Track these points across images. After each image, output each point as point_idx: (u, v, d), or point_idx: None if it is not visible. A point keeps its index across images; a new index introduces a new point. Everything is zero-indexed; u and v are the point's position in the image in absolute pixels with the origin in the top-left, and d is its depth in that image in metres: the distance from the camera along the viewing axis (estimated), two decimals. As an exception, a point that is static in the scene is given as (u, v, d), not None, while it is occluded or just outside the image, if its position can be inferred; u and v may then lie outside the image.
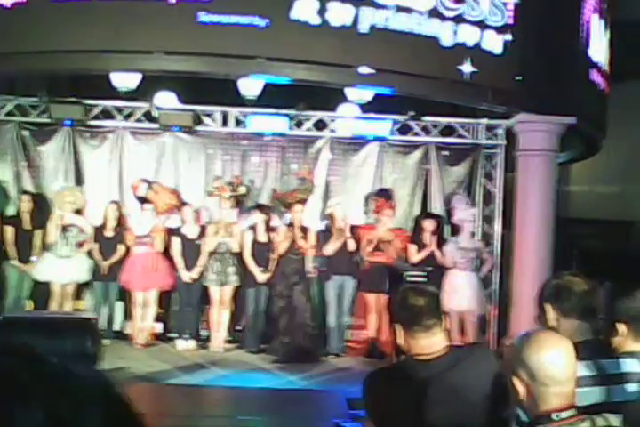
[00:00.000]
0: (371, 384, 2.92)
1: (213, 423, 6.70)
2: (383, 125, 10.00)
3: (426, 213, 10.23)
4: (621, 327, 2.76)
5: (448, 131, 10.39)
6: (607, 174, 13.62)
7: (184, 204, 9.84)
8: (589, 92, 9.77)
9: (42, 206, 9.82)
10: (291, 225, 9.44)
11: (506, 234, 10.22)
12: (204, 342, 9.55)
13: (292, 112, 10.00)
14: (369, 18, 7.86)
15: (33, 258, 9.41)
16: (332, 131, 10.28)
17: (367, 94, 8.89)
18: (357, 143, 10.38)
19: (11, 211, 9.89)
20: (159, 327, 9.84)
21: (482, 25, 8.33)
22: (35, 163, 10.20)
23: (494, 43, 8.42)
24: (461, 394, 2.72)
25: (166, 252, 9.51)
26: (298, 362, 8.75)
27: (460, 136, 10.36)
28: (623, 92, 11.17)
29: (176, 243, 9.43)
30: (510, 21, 8.50)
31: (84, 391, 0.97)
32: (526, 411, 2.22)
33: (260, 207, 9.81)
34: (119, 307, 9.76)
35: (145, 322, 9.41)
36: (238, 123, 10.10)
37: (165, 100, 9.57)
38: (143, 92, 9.14)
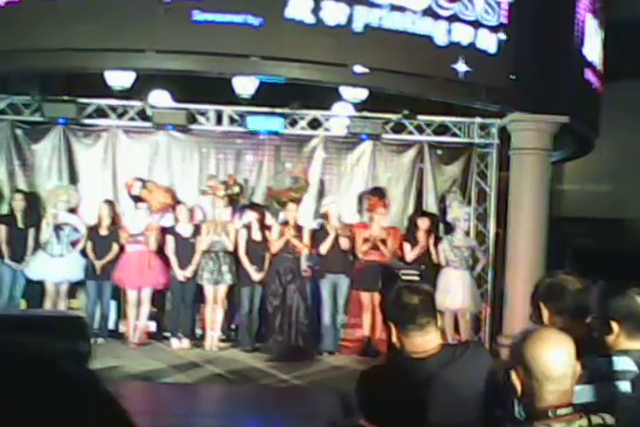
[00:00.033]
0: (364, 382, 2.92)
1: (208, 422, 6.70)
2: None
3: (420, 211, 10.25)
4: (614, 326, 2.77)
5: (442, 130, 10.41)
6: (600, 173, 13.66)
7: (178, 202, 9.83)
8: (583, 91, 9.79)
9: (35, 205, 9.80)
10: (285, 224, 9.44)
11: (499, 233, 10.25)
12: (198, 340, 9.54)
13: (286, 111, 10.00)
14: (363, 17, 7.87)
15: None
16: (327, 130, 10.29)
17: (362, 93, 8.90)
18: (351, 142, 10.39)
19: (4, 210, 9.88)
20: (153, 326, 9.84)
21: (476, 24, 8.35)
22: (28, 161, 10.18)
23: (488, 42, 8.44)
24: (456, 392, 2.73)
25: (160, 250, 9.50)
26: (292, 361, 8.75)
27: (454, 135, 10.39)
28: (615, 92, 11.20)
29: (170, 241, 9.42)
30: (504, 21, 8.52)
31: (74, 389, 0.97)
32: (524, 407, 2.23)
33: (253, 206, 9.82)
34: (113, 306, 9.75)
35: (139, 321, 9.41)
36: (232, 121, 10.10)
37: (159, 98, 9.56)
38: (137, 90, 9.12)
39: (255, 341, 9.41)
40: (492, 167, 10.40)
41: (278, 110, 9.94)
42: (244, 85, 8.89)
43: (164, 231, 9.57)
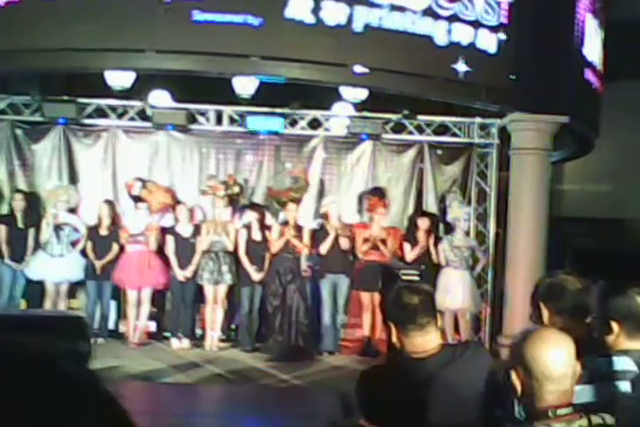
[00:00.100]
0: (364, 382, 2.92)
1: (208, 422, 6.70)
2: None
3: (420, 211, 10.25)
4: (614, 326, 2.77)
5: (442, 130, 10.41)
6: (600, 173, 13.66)
7: (178, 202, 9.83)
8: (583, 91, 9.79)
9: (35, 205, 9.80)
10: (285, 224, 9.44)
11: (499, 233, 10.25)
12: (198, 340, 9.54)
13: (286, 111, 10.01)
14: (363, 17, 7.87)
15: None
16: (327, 130, 10.29)
17: (362, 93, 8.90)
18: (351, 142, 10.39)
19: (4, 210, 9.89)
20: (153, 326, 9.84)
21: (476, 24, 8.35)
22: (28, 161, 10.18)
23: (488, 42, 8.44)
24: (456, 392, 2.73)
25: (160, 250, 9.50)
26: (292, 361, 8.75)
27: (454, 135, 10.39)
28: (615, 92, 11.20)
29: (170, 242, 9.42)
30: (504, 21, 8.52)
31: (74, 389, 0.97)
32: (524, 407, 2.23)
33: (253, 206, 9.82)
34: (113, 306, 9.75)
35: (139, 321, 9.41)
36: (232, 121, 10.10)
37: (159, 98, 9.56)
38: (137, 90, 9.12)
39: (255, 341, 9.41)
40: (492, 167, 10.40)
41: (278, 110, 9.95)
42: (244, 85, 8.89)
43: (164, 231, 9.57)
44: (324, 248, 9.34)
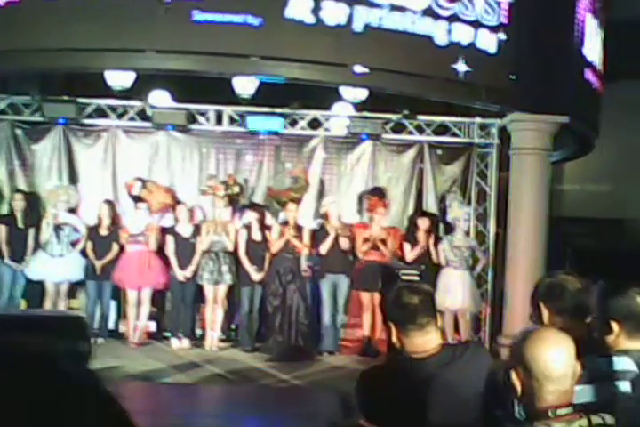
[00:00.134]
0: (364, 382, 2.92)
1: (208, 422, 6.70)
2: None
3: (420, 211, 10.25)
4: (614, 326, 2.77)
5: (442, 130, 10.41)
6: (600, 173, 13.66)
7: (178, 202, 9.83)
8: (583, 91, 9.79)
9: (35, 205, 9.80)
10: (285, 224, 9.44)
11: (499, 233, 10.25)
12: (198, 340, 9.54)
13: (286, 111, 10.00)
14: (363, 17, 7.87)
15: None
16: (327, 130, 10.29)
17: (362, 93, 8.90)
18: (351, 142, 10.39)
19: (4, 210, 9.88)
20: (153, 326, 9.84)
21: (476, 24, 8.35)
22: (28, 161, 10.18)
23: (488, 42, 8.44)
24: (456, 391, 2.73)
25: (160, 250, 9.50)
26: (292, 361, 8.75)
27: (454, 135, 10.39)
28: (615, 92, 11.20)
29: (170, 242, 9.42)
30: (504, 21, 8.52)
31: (74, 389, 0.97)
32: (524, 406, 2.23)
33: (253, 206, 9.82)
34: (113, 306, 9.75)
35: (139, 321, 9.41)
36: (232, 121, 10.10)
37: (159, 98, 9.56)
38: (137, 90, 9.13)
39: (255, 341, 9.41)
40: (492, 167, 10.40)
41: (278, 110, 9.95)
42: (244, 85, 8.89)
43: (164, 231, 9.57)
44: (323, 248, 9.34)
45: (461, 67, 8.22)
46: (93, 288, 9.44)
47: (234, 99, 9.14)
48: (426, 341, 2.82)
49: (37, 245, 9.42)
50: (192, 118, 10.05)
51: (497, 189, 10.34)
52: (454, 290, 9.42)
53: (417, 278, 8.87)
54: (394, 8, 7.97)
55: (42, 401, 0.93)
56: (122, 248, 9.46)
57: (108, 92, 8.92)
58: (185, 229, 9.48)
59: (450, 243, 9.68)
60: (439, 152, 10.53)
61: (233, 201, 9.84)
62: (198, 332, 9.77)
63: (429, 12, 8.11)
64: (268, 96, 9.23)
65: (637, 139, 13.07)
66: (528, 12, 8.68)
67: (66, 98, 9.78)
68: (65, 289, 9.40)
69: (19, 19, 7.79)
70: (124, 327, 9.70)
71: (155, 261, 9.41)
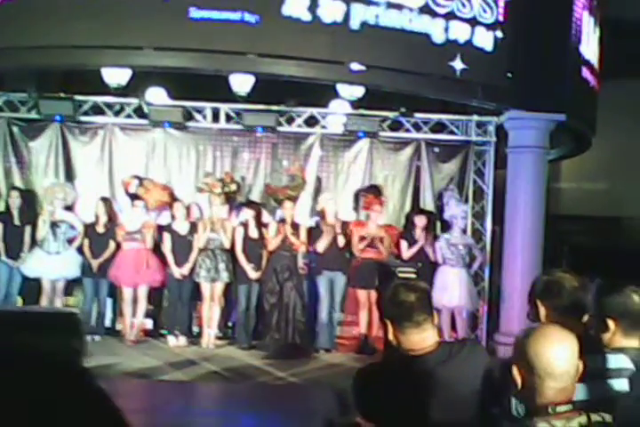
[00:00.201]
0: (361, 380, 2.92)
1: (204, 419, 6.70)
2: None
3: (417, 209, 10.25)
4: (611, 324, 2.77)
5: (439, 127, 10.41)
6: (597, 171, 13.68)
7: (175, 200, 9.83)
8: (580, 89, 9.79)
9: (31, 202, 9.80)
10: (282, 222, 9.44)
11: (496, 230, 10.26)
12: (195, 338, 9.54)
13: (282, 108, 10.00)
14: (360, 14, 7.86)
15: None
16: (324, 127, 10.28)
17: (358, 91, 8.89)
18: (348, 140, 10.39)
19: (0, 207, 9.86)
20: (150, 324, 9.84)
21: (473, 22, 8.34)
22: (24, 159, 10.17)
23: (485, 40, 8.44)
24: (453, 389, 2.73)
25: (157, 248, 9.49)
26: (289, 358, 8.76)
27: (451, 133, 10.39)
28: (612, 91, 11.21)
29: (167, 239, 9.42)
30: (501, 18, 8.51)
31: (66, 387, 0.97)
32: (524, 402, 2.23)
33: (250, 204, 9.82)
34: (109, 303, 9.75)
35: (135, 318, 9.40)
36: (229, 119, 10.09)
37: (156, 96, 9.55)
38: (134, 88, 9.11)
39: (252, 338, 9.41)
40: (489, 165, 10.41)
41: (275, 108, 9.94)
42: (241, 83, 8.88)
43: (161, 229, 9.56)
44: (320, 246, 9.34)
45: (458, 64, 8.22)
46: (90, 286, 9.44)
47: (230, 96, 9.12)
48: (422, 338, 2.82)
49: (34, 243, 9.41)
50: (189, 116, 10.05)
51: (494, 187, 10.35)
52: (451, 288, 9.43)
53: (414, 276, 8.87)
54: (390, 6, 7.97)
55: (35, 398, 0.93)
56: (118, 246, 9.45)
57: (104, 89, 8.91)
58: (182, 227, 9.47)
59: (447, 241, 9.69)
60: (436, 150, 10.53)
61: (230, 199, 9.83)
62: (195, 329, 9.76)
63: (426, 10, 8.10)
64: (265, 94, 9.22)
65: (634, 137, 13.10)
66: (525, 10, 8.68)
67: (62, 95, 9.77)
68: (61, 286, 9.40)
69: (16, 16, 7.76)
70: (120, 325, 9.70)
71: (151, 258, 9.40)
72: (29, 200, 9.76)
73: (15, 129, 10.14)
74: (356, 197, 10.28)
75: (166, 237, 9.43)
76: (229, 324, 9.91)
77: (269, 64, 7.95)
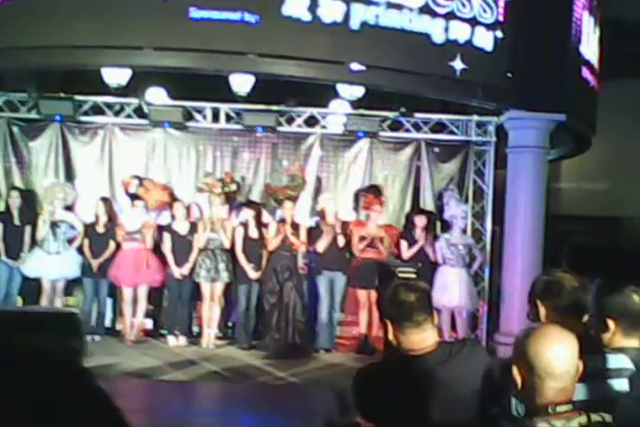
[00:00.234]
0: (361, 380, 2.92)
1: (204, 419, 6.70)
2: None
3: (417, 209, 10.25)
4: (611, 323, 2.77)
5: (439, 127, 10.41)
6: (597, 171, 13.68)
7: (175, 200, 9.83)
8: (580, 89, 9.79)
9: (31, 202, 9.80)
10: (282, 222, 9.44)
11: (496, 230, 10.26)
12: (195, 338, 9.54)
13: (282, 108, 9.99)
14: (360, 14, 7.86)
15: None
16: (324, 127, 10.28)
17: (358, 91, 8.89)
18: (348, 140, 10.39)
19: (0, 207, 9.86)
20: (150, 324, 9.84)
21: (473, 22, 8.34)
22: (24, 159, 10.18)
23: (485, 40, 8.43)
24: (453, 389, 2.73)
25: (157, 248, 9.49)
26: (289, 358, 8.76)
27: (451, 133, 10.39)
28: (611, 91, 11.20)
29: (167, 239, 9.42)
30: (501, 18, 8.51)
31: (66, 386, 0.97)
32: (524, 402, 2.23)
33: (250, 204, 9.82)
34: (110, 303, 9.75)
35: (135, 318, 9.40)
36: (229, 119, 10.09)
37: (156, 96, 9.55)
38: (134, 88, 9.11)
39: (252, 338, 9.41)
40: (489, 165, 10.40)
41: (275, 108, 9.94)
42: (241, 83, 8.87)
43: (161, 229, 9.56)
44: (320, 246, 9.33)
45: (458, 64, 8.22)
46: (90, 286, 9.44)
47: (230, 96, 9.12)
48: (422, 338, 2.82)
49: (34, 243, 9.41)
50: (189, 116, 10.05)
51: (494, 187, 10.35)
52: (451, 288, 9.43)
53: (414, 276, 8.87)
54: (390, 6, 7.96)
55: (35, 398, 0.93)
56: (118, 246, 9.45)
57: (104, 89, 8.91)
58: (182, 227, 9.47)
59: (447, 241, 9.68)
60: (436, 150, 10.53)
61: (230, 199, 9.83)
62: (195, 329, 9.77)
63: (426, 10, 8.10)
64: (265, 94, 9.22)
65: (634, 137, 13.10)
66: (525, 10, 8.68)
67: (62, 95, 9.77)
68: (61, 286, 9.40)
69: (16, 16, 7.76)
70: (120, 325, 9.70)
71: (151, 258, 9.40)
72: (29, 200, 9.76)
73: (15, 129, 10.14)
74: (356, 197, 10.28)
75: (166, 237, 9.43)
76: (229, 324, 9.91)
77: (269, 64, 7.95)
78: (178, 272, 9.32)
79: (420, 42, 8.11)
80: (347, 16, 7.82)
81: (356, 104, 9.40)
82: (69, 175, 10.14)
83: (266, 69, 8.06)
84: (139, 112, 10.01)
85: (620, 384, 2.64)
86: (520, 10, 8.63)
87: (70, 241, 9.45)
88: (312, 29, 7.78)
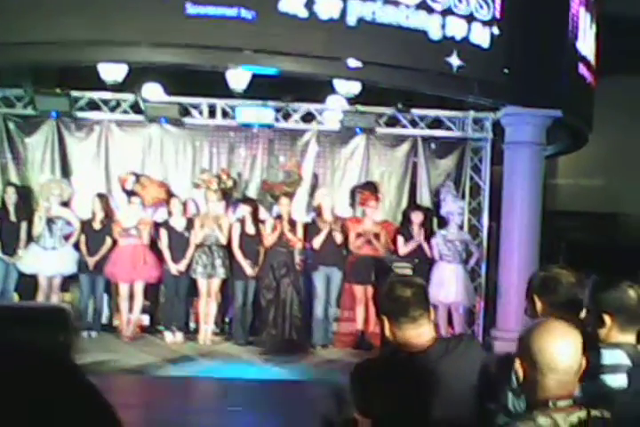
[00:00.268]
0: (358, 376, 2.92)
1: (202, 416, 6.70)
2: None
3: (414, 205, 10.25)
4: (607, 319, 2.77)
5: (435, 123, 10.40)
6: (593, 167, 13.70)
7: (171, 196, 9.82)
8: (577, 85, 9.79)
9: (27, 199, 9.78)
10: (279, 218, 9.43)
11: (493, 226, 10.26)
12: (191, 334, 9.55)
13: (279, 104, 9.98)
14: (356, 11, 7.84)
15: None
16: (320, 123, 10.27)
17: (355, 87, 8.88)
18: (345, 136, 10.38)
19: (-4, 203, 9.86)
20: (146, 320, 9.83)
21: (469, 18, 8.33)
22: (20, 155, 10.17)
23: (482, 36, 8.43)
24: (450, 384, 2.73)
25: (153, 244, 9.48)
26: (286, 354, 8.76)
27: (448, 129, 10.38)
28: (608, 87, 11.21)
29: (163, 235, 9.41)
30: (498, 15, 8.50)
31: (56, 382, 0.97)
32: (525, 396, 2.24)
33: (247, 200, 9.81)
34: (106, 299, 9.74)
35: (132, 314, 9.40)
36: (225, 115, 10.07)
37: (152, 91, 9.52)
38: (130, 83, 9.08)
39: (249, 334, 9.42)
40: (486, 161, 10.41)
41: (271, 103, 9.93)
42: (238, 79, 8.86)
43: (157, 225, 9.56)
44: (317, 242, 9.33)
45: (455, 61, 8.21)
46: (86, 282, 9.43)
47: (227, 92, 9.10)
48: (419, 334, 2.83)
49: (30, 239, 9.40)
50: (185, 112, 10.03)
51: (490, 183, 10.35)
52: (448, 284, 9.43)
53: (410, 272, 8.88)
54: (387, 2, 7.95)
55: (26, 394, 0.92)
56: (115, 242, 9.44)
57: (100, 85, 8.88)
58: (178, 223, 9.46)
59: (443, 237, 9.68)
60: (433, 146, 10.54)
61: (226, 195, 9.83)
62: (192, 325, 9.77)
63: (423, 6, 8.08)
64: (262, 89, 9.21)
65: (631, 133, 13.11)
66: (521, 7, 8.67)
67: (58, 91, 9.73)
68: (58, 283, 9.38)
69: (10, 11, 7.73)
70: (117, 321, 9.69)
71: (148, 255, 9.40)
72: (25, 196, 9.75)
73: (11, 125, 10.13)
74: (353, 193, 10.28)
75: (163, 233, 9.42)
76: (226, 320, 9.91)
77: (266, 60, 7.93)
78: (174, 268, 9.31)
79: (416, 38, 8.10)
80: (343, 12, 7.80)
81: (352, 100, 9.40)
82: (65, 171, 10.13)
83: (262, 65, 8.04)
84: (135, 108, 10.00)
85: (617, 380, 2.64)
86: (516, 6, 8.63)
87: (66, 237, 9.43)
88: (309, 26, 7.76)
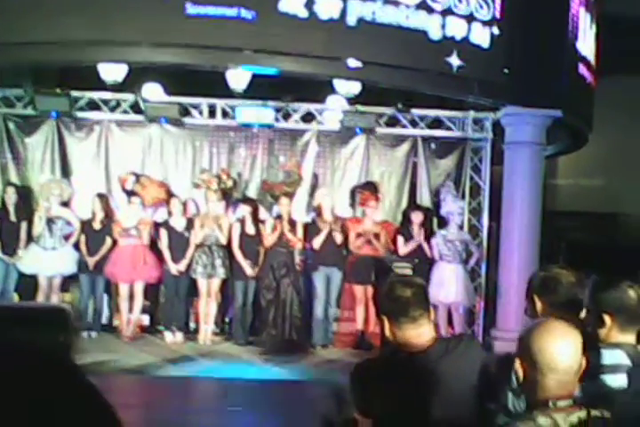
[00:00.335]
0: (358, 376, 2.92)
1: (202, 416, 6.70)
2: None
3: (414, 205, 10.25)
4: (607, 319, 2.77)
5: (435, 123, 10.41)
6: (593, 167, 13.70)
7: (171, 196, 9.82)
8: (577, 85, 9.79)
9: (27, 199, 9.78)
10: (279, 218, 9.43)
11: (493, 227, 10.26)
12: (191, 334, 9.55)
13: (279, 104, 9.98)
14: (357, 11, 7.84)
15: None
16: (320, 123, 10.27)
17: (355, 87, 8.88)
18: (345, 136, 10.38)
19: (-4, 203, 9.86)
20: (146, 320, 9.84)
21: (469, 18, 8.33)
22: (20, 155, 10.17)
23: (482, 36, 8.43)
24: (450, 384, 2.73)
25: (153, 244, 9.48)
26: (286, 354, 8.76)
27: (448, 129, 10.39)
28: (608, 87, 11.21)
29: (163, 235, 9.41)
30: (498, 15, 8.51)
31: (56, 383, 0.97)
32: (525, 396, 2.24)
33: (247, 200, 9.81)
34: (106, 300, 9.74)
35: (132, 314, 9.40)
36: (225, 115, 10.07)
37: (152, 91, 9.52)
38: (130, 83, 9.08)
39: (249, 334, 9.42)
40: (486, 161, 10.41)
41: (271, 103, 9.93)
42: (238, 79, 8.86)
43: (157, 225, 9.56)
44: (317, 242, 9.33)
45: (455, 61, 8.21)
46: (86, 282, 9.43)
47: (227, 92, 9.10)
48: (419, 333, 2.83)
49: (30, 239, 9.40)
50: (185, 112, 10.03)
51: (490, 183, 10.35)
52: (448, 284, 9.43)
53: (410, 272, 8.88)
54: (387, 2, 7.95)
55: (26, 394, 0.93)
56: (115, 242, 9.44)
57: (100, 85, 8.88)
58: (178, 223, 9.46)
59: (443, 237, 9.68)
60: (433, 146, 10.54)
61: (226, 195, 9.83)
62: (192, 325, 9.78)
63: (423, 6, 8.08)
64: (262, 89, 9.21)
65: (631, 133, 13.11)
66: (521, 7, 8.67)
67: (58, 91, 9.73)
68: (58, 283, 9.38)
69: (10, 11, 7.73)
70: (117, 321, 9.69)
71: (148, 255, 9.39)
72: (25, 196, 9.75)
73: (11, 125, 10.13)
74: (352, 193, 10.28)
75: (163, 233, 9.41)
76: (226, 320, 9.91)
77: (266, 60, 7.93)
78: (174, 268, 9.31)
79: (416, 38, 8.10)
80: (343, 12, 7.80)
81: (352, 100, 9.40)
82: (65, 171, 10.13)
83: (262, 65, 8.04)
84: (135, 108, 10.00)
85: (617, 380, 2.64)
86: (516, 6, 8.63)
87: (66, 237, 9.43)
88: (308, 26, 7.76)
